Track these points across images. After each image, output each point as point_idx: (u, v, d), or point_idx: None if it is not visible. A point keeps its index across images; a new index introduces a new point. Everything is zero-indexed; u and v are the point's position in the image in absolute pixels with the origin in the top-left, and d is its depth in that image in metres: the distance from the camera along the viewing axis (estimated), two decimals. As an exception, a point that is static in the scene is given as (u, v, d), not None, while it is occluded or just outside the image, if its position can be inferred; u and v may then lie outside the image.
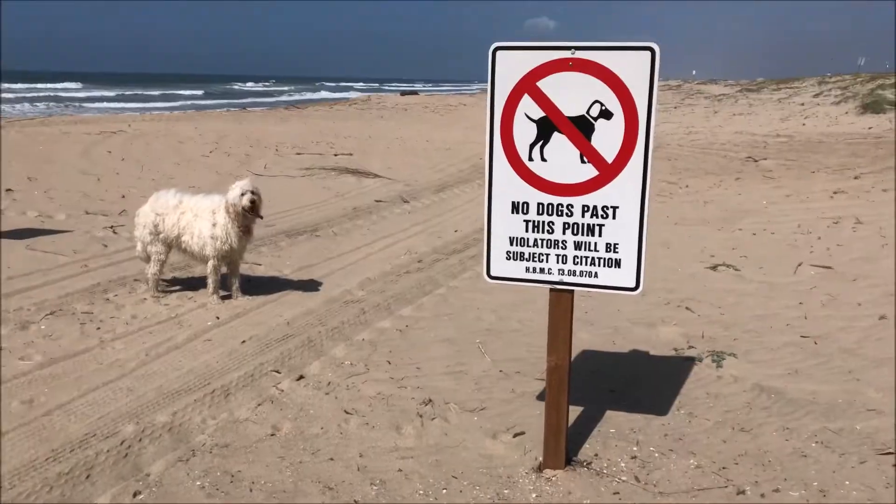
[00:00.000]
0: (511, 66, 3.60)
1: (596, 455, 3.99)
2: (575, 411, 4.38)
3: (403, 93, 69.40)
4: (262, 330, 5.85)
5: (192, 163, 15.82)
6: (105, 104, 48.98)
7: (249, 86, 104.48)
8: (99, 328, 5.77)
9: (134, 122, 26.61)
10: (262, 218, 6.47)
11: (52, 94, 60.42)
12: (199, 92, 72.87)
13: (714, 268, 7.83)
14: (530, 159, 3.65)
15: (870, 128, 23.82)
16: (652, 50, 3.37)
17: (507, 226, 3.76)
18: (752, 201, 11.97)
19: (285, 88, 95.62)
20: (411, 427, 4.29)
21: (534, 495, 3.64)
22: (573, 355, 4.32)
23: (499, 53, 3.61)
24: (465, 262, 8.18)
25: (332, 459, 3.93)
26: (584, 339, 5.63)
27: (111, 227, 9.25)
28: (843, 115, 28.52)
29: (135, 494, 3.54)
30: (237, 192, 6.27)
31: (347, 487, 3.66)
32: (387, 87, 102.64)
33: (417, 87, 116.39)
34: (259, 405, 4.53)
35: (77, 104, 48.84)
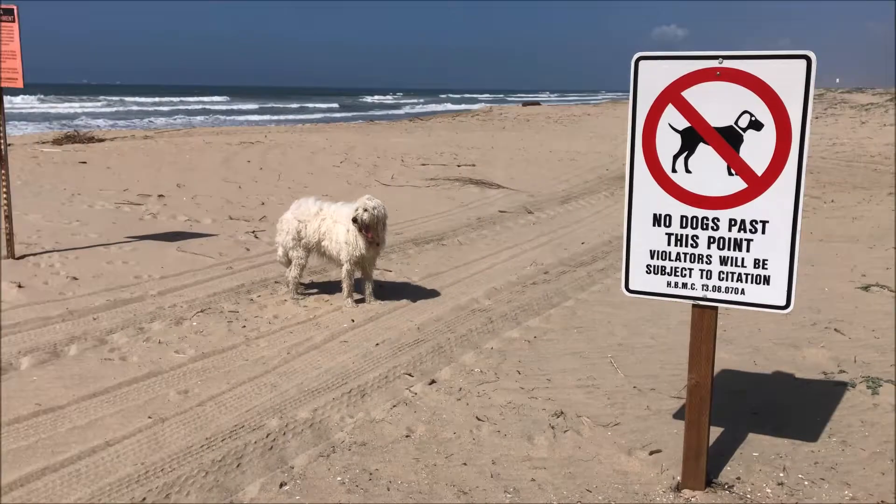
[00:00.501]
0: (654, 76, 3.55)
1: (738, 478, 3.83)
2: (715, 431, 4.23)
3: (525, 103, 69.35)
4: (394, 334, 6.02)
5: (324, 172, 16.49)
6: (247, 116, 52.14)
7: (376, 98, 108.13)
8: (244, 326, 6.12)
9: (270, 133, 28.06)
10: (369, 237, 6.51)
11: (201, 106, 65.29)
12: (335, 105, 76.25)
13: (866, 288, 7.33)
14: (674, 171, 3.57)
15: None
16: (808, 58, 3.24)
17: (647, 238, 3.69)
18: (906, 218, 11.13)
19: (411, 101, 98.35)
20: (543, 438, 4.28)
21: (671, 516, 3.54)
22: (713, 374, 4.16)
23: (642, 63, 3.57)
24: (594, 275, 8.07)
25: (465, 464, 3.98)
26: (723, 357, 5.42)
27: (252, 231, 9.80)
28: None
29: (281, 485, 3.73)
30: (355, 205, 6.52)
31: (481, 493, 3.70)
32: (510, 99, 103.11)
33: (542, 97, 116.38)
34: (394, 406, 4.66)
35: (223, 116, 52.35)
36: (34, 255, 8.09)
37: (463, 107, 70.87)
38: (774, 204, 3.39)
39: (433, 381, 5.07)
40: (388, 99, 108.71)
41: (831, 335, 5.99)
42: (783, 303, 3.47)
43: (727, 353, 5.56)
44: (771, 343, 5.82)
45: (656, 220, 3.66)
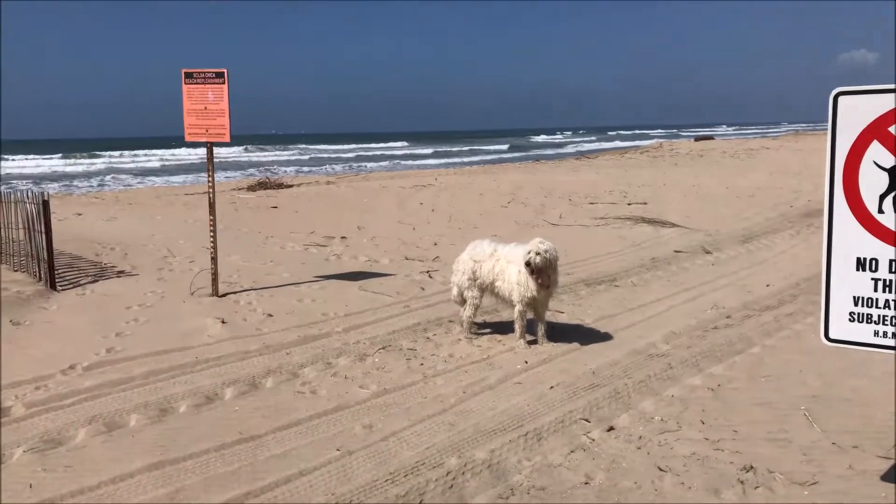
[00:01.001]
0: (856, 111, 3.36)
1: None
2: (931, 498, 3.81)
3: (698, 138, 66.82)
4: (569, 377, 5.97)
5: (492, 213, 16.78)
6: (424, 161, 54.48)
7: (543, 138, 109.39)
8: (422, 364, 6.33)
9: (440, 175, 29.02)
10: (538, 280, 6.50)
11: (380, 152, 69.51)
12: (504, 146, 78.10)
13: None
14: (881, 211, 3.34)
15: None
16: None
17: (850, 284, 3.46)
18: None
19: (579, 139, 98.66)
20: (732, 493, 4.06)
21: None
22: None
23: (841, 99, 3.39)
24: (781, 320, 7.58)
25: (646, 516, 3.86)
26: (936, 415, 4.88)
27: (427, 271, 10.15)
28: None
29: (462, 525, 3.80)
30: (526, 248, 6.56)
31: (665, 548, 3.56)
32: (684, 133, 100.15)
33: (718, 131, 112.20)
34: (571, 452, 4.62)
35: (402, 161, 55.23)
36: (234, 293, 8.87)
37: (631, 143, 69.57)
38: None
39: (611, 428, 4.96)
40: (558, 138, 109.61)
41: None
42: None
43: (943, 410, 5.00)
44: None
45: (860, 264, 3.42)
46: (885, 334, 3.39)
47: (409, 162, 53.17)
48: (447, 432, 4.95)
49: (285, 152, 70.20)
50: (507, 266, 6.82)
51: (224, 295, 8.73)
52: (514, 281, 6.72)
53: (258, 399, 5.58)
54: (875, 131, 3.31)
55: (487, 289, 7.00)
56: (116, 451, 4.70)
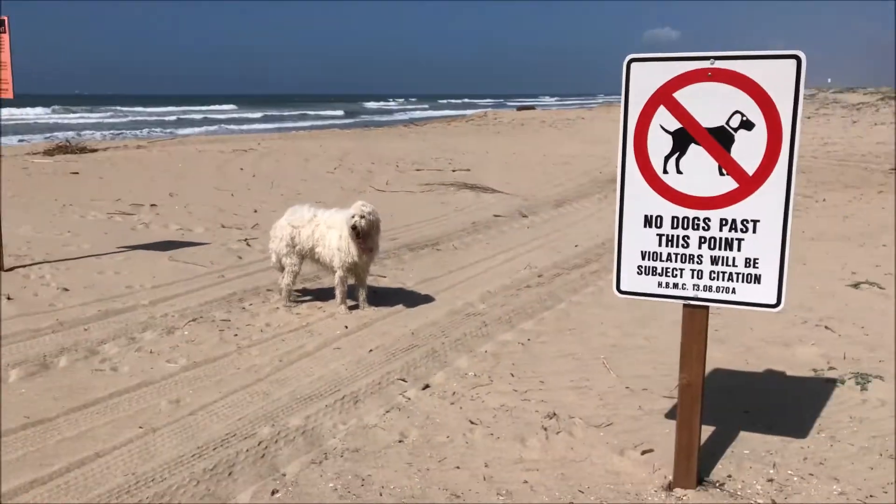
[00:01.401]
0: (646, 77, 3.55)
1: (729, 476, 3.83)
2: (707, 430, 4.22)
3: (520, 108, 69.48)
4: (388, 339, 6.01)
5: (317, 179, 16.48)
6: (250, 125, 51.71)
7: (373, 104, 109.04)
8: (236, 335, 6.10)
9: (264, 140, 28.04)
10: (363, 244, 6.50)
11: (206, 115, 65.55)
12: (339, 112, 76.22)
13: (856, 285, 7.36)
14: (665, 172, 3.58)
15: None
16: (798, 58, 3.25)
17: (639, 240, 3.70)
18: (897, 216, 11.17)
19: (412, 107, 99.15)
20: (536, 440, 4.27)
21: (665, 516, 3.54)
22: (705, 373, 4.16)
23: (633, 65, 3.58)
24: (587, 278, 8.08)
25: (458, 468, 3.97)
26: (715, 357, 5.42)
27: (245, 239, 9.78)
28: None
29: (273, 492, 3.71)
30: (350, 211, 6.49)
31: (474, 496, 3.69)
32: (510, 103, 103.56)
33: (544, 102, 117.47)
34: (387, 412, 4.65)
35: (223, 124, 52.27)
36: (24, 266, 8.06)
37: (460, 112, 70.89)
38: (765, 203, 3.40)
39: (427, 386, 5.06)
40: (390, 105, 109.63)
41: (822, 332, 6.01)
42: (774, 301, 3.48)
43: (720, 352, 5.57)
44: (762, 342, 5.83)
45: (647, 221, 3.66)
46: (667, 285, 3.67)
47: (235, 126, 50.59)
48: (261, 402, 4.81)
49: (94, 115, 64.02)
50: (327, 231, 6.71)
51: (11, 269, 7.89)
52: (335, 246, 6.63)
53: (49, 380, 5.11)
54: (662, 97, 3.53)
55: (307, 255, 6.85)
56: None
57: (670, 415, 4.53)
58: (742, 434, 4.29)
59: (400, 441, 4.28)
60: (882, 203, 12.55)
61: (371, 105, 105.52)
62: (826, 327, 6.11)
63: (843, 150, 21.38)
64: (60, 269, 7.94)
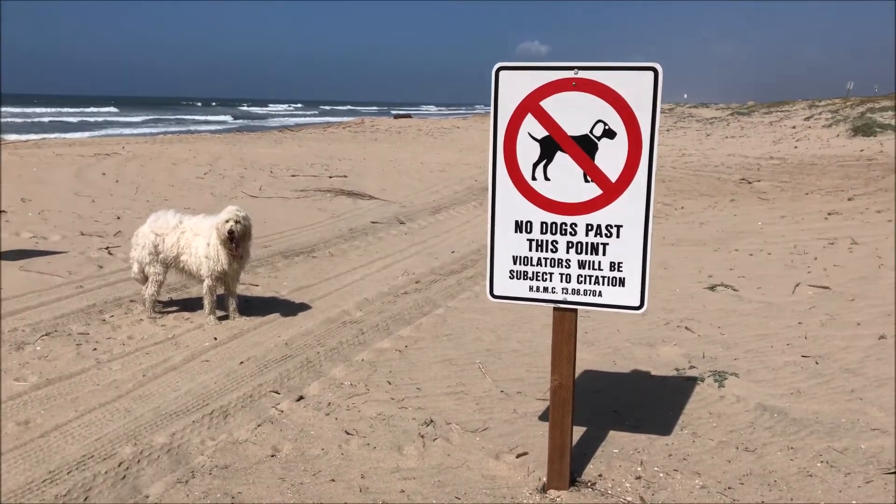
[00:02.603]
0: (514, 85, 3.61)
1: (600, 475, 3.95)
2: (578, 431, 4.35)
3: (397, 116, 69.74)
4: (261, 350, 5.81)
5: (186, 184, 15.78)
6: (131, 129, 48.78)
7: (255, 109, 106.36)
8: (95, 349, 5.71)
9: (128, 144, 26.59)
10: (237, 251, 6.31)
11: (79, 119, 60.95)
12: (227, 117, 73.28)
13: (712, 288, 7.84)
14: (534, 178, 3.65)
15: (861, 150, 23.99)
16: (655, 70, 3.40)
17: (510, 245, 3.75)
18: (748, 222, 12.03)
19: (298, 113, 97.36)
20: (413, 448, 4.24)
21: (539, 516, 3.60)
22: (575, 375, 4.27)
23: (502, 73, 3.63)
24: (463, 283, 8.16)
25: (333, 481, 3.88)
26: (585, 359, 5.61)
27: (107, 247, 9.20)
28: (834, 138, 28.75)
29: (134, 517, 3.49)
30: (223, 216, 6.26)
31: (350, 509, 3.61)
32: (393, 111, 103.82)
33: (424, 110, 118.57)
34: (259, 426, 4.48)
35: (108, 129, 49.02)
36: None
37: (340, 119, 70.19)
38: (627, 209, 3.53)
39: (301, 398, 4.92)
40: (275, 109, 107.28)
41: (683, 333, 6.35)
42: (637, 303, 3.61)
43: (589, 354, 5.76)
44: (629, 343, 6.08)
45: (518, 226, 3.72)
46: (538, 289, 3.75)
47: (112, 131, 47.50)
48: (122, 420, 4.51)
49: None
50: (193, 239, 6.41)
51: None
52: (203, 255, 6.35)
53: None
54: (530, 105, 3.61)
55: (172, 264, 6.52)
56: None
57: (544, 417, 4.63)
58: (611, 433, 4.44)
59: (272, 455, 4.14)
60: (734, 210, 13.47)
61: (250, 109, 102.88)
62: (686, 328, 6.46)
63: (699, 161, 22.81)
64: None
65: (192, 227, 6.44)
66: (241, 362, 5.54)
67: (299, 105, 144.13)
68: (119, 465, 3.95)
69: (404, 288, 7.90)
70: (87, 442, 4.21)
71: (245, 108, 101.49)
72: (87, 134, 42.32)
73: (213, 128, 52.74)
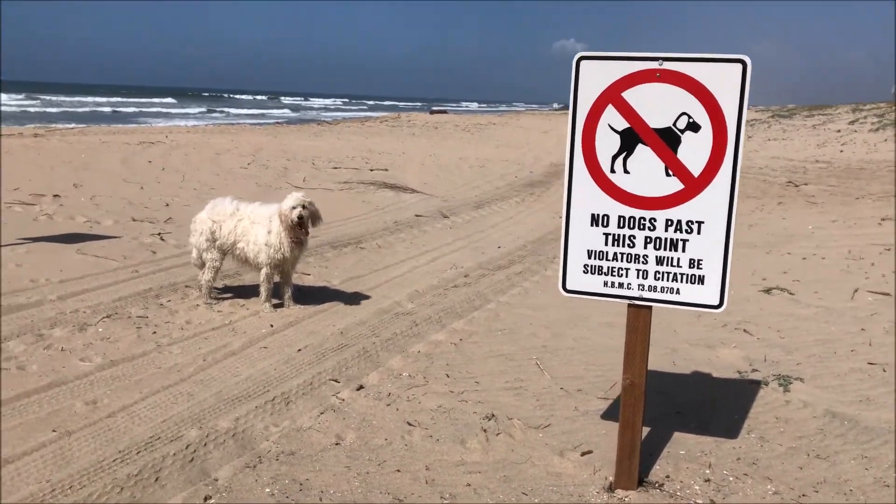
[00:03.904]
0: (595, 76, 3.55)
1: (668, 477, 3.88)
2: (643, 431, 4.27)
3: (433, 111, 69.81)
4: (317, 339, 5.82)
5: (231, 174, 15.95)
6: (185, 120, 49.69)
7: (287, 101, 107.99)
8: (155, 332, 5.78)
9: (171, 133, 26.97)
10: (307, 234, 6.43)
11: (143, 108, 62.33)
12: (285, 110, 74.26)
13: (768, 291, 7.68)
14: (612, 171, 3.58)
15: (911, 155, 23.41)
16: (743, 62, 3.31)
17: (585, 238, 3.69)
18: (798, 226, 11.79)
19: (348, 108, 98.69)
20: (476, 441, 4.21)
21: (609, 516, 3.54)
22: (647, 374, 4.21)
23: (583, 63, 3.57)
24: (512, 279, 8.11)
25: (398, 471, 3.86)
26: (643, 358, 5.51)
27: (158, 233, 9.32)
28: (881, 143, 28.07)
29: (206, 499, 3.50)
30: (290, 203, 6.29)
31: (417, 500, 3.59)
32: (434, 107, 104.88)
33: (471, 107, 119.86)
34: (321, 414, 4.49)
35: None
36: (-88, 256, 7.40)
37: (377, 114, 70.58)
38: (710, 205, 3.46)
39: (361, 387, 4.91)
40: (331, 103, 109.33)
41: (741, 336, 6.22)
42: (717, 302, 3.53)
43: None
44: (687, 344, 5.98)
45: (594, 219, 3.66)
46: (612, 284, 3.68)
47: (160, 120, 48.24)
48: (185, 403, 4.55)
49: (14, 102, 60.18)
50: (251, 227, 6.44)
51: None
52: (262, 242, 6.38)
53: (-54, 380, 4.69)
54: (611, 96, 3.55)
55: (228, 250, 6.56)
56: None
57: (606, 416, 4.57)
58: (676, 434, 4.36)
59: (337, 444, 4.13)
60: (782, 213, 13.22)
61: (308, 102, 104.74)
62: (745, 330, 6.33)
63: (743, 163, 22.42)
64: (-47, 262, 7.33)
65: (250, 214, 6.47)
66: (299, 350, 5.55)
67: (346, 100, 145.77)
68: (186, 448, 3.98)
69: (453, 281, 7.87)
70: (153, 424, 4.26)
71: (298, 101, 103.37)
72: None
73: (269, 121, 53.09)
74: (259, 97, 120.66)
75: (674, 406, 4.77)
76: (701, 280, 3.53)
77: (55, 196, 11.56)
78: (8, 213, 10.05)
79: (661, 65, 3.43)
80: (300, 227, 6.28)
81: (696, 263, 3.52)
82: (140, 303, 6.46)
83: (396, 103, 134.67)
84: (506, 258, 9.17)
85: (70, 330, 5.67)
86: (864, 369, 5.42)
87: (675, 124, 3.45)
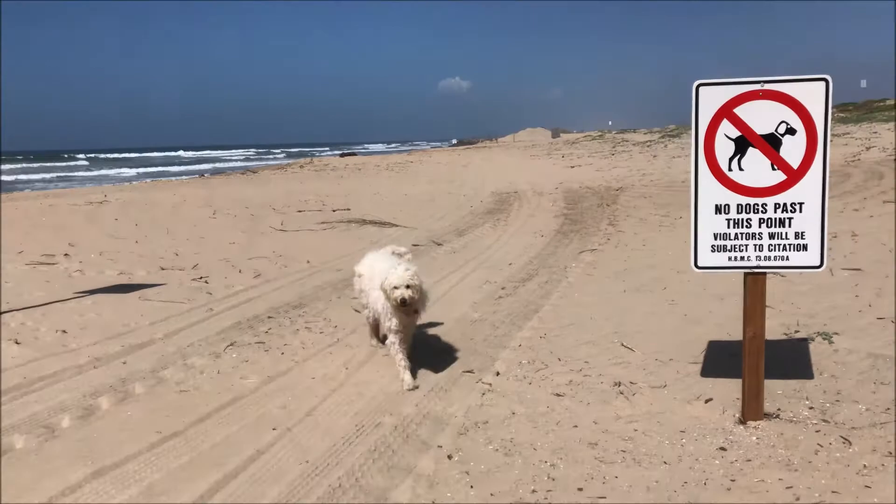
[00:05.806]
0: (712, 97, 4.63)
1: (779, 409, 4.90)
2: (737, 382, 5.26)
3: (343, 154, 70.75)
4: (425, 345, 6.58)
5: (206, 224, 16.25)
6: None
7: (190, 154, 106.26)
8: (283, 353, 6.41)
9: (109, 192, 26.63)
10: (414, 315, 5.79)
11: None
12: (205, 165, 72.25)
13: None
14: (730, 170, 4.65)
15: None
16: (826, 80, 4.46)
17: (711, 224, 4.72)
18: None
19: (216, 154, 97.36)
20: (619, 401, 5.12)
21: (754, 438, 4.53)
22: (702, 346, 5.25)
23: (701, 88, 4.64)
24: (544, 287, 9.07)
25: (576, 427, 4.73)
26: (698, 332, 6.57)
27: (200, 278, 9.76)
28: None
29: (449, 457, 4.26)
30: (392, 282, 5.54)
31: (608, 443, 4.46)
32: (335, 151, 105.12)
33: (377, 148, 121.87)
34: (482, 395, 5.29)
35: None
36: (-11, 315, 7.65)
37: (274, 161, 70.57)
38: (807, 189, 4.56)
39: (498, 373, 5.74)
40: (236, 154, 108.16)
41: (768, 310, 7.38)
42: (818, 263, 4.62)
43: (701, 329, 6.73)
44: (730, 320, 7.05)
45: (717, 209, 4.70)
46: (735, 258, 4.73)
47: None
48: (361, 400, 5.26)
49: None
50: (370, 289, 6.04)
51: (-19, 318, 7.48)
52: (380, 308, 5.83)
53: (144, 402, 5.25)
54: (725, 112, 4.63)
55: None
56: None
57: (705, 374, 5.57)
58: (766, 381, 5.39)
59: (513, 414, 4.95)
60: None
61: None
62: (768, 306, 7.49)
63: (663, 179, 24.27)
64: (36, 315, 7.63)
65: (368, 272, 6.17)
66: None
67: (252, 151, 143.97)
68: (395, 428, 4.71)
69: (496, 294, 8.76)
70: (348, 417, 4.95)
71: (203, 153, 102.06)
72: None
73: (184, 175, 52.15)
74: (153, 154, 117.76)
75: (752, 363, 5.82)
76: (805, 248, 4.61)
77: (66, 255, 11.71)
78: (37, 272, 10.23)
79: (762, 86, 4.53)
80: (405, 307, 5.58)
81: (800, 235, 4.61)
82: (246, 332, 7.03)
83: (303, 149, 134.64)
84: (524, 271, 10.13)
85: (207, 358, 6.22)
86: (877, 323, 6.67)
87: (776, 130, 4.55)
